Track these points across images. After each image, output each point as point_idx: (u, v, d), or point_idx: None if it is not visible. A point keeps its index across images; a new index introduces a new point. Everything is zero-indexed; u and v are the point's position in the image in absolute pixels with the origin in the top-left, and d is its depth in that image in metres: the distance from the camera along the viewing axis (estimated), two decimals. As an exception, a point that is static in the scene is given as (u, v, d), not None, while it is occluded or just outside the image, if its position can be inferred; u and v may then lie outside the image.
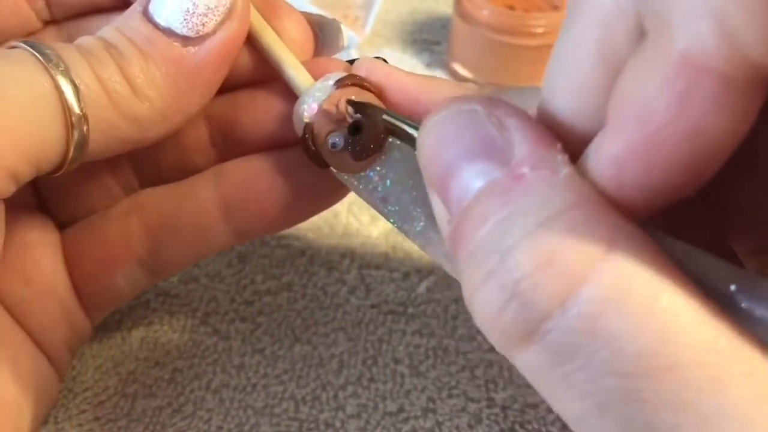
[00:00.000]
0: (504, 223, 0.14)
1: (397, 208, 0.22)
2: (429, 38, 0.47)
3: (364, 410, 0.27)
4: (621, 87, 0.14)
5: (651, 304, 0.13)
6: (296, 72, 0.23)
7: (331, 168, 0.23)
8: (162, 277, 0.27)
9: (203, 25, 0.21)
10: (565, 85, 0.16)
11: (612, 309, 0.13)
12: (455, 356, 0.29)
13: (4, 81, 0.19)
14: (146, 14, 0.22)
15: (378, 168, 0.23)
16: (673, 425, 0.12)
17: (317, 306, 0.31)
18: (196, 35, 0.21)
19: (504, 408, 0.27)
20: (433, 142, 0.16)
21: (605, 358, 0.13)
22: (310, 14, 0.25)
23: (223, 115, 0.25)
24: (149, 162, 0.26)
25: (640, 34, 0.14)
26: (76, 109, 0.20)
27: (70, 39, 0.25)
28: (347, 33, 0.27)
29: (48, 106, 0.19)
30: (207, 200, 0.25)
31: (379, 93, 0.23)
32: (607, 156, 0.14)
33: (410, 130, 0.20)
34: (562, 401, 0.14)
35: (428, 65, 0.45)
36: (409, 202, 0.22)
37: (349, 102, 0.22)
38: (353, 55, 0.43)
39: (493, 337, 0.15)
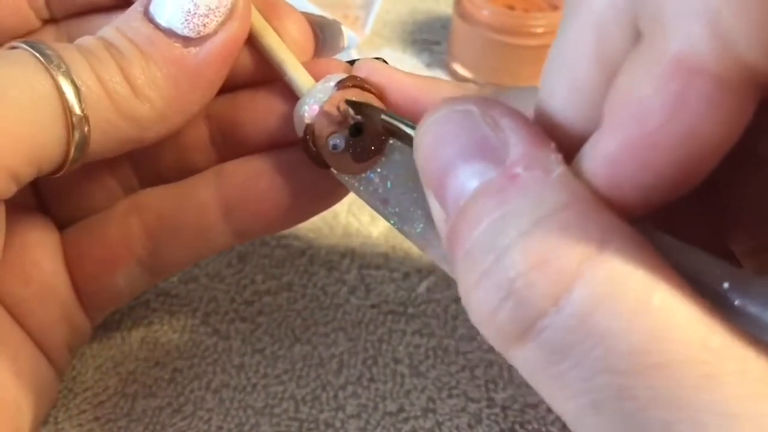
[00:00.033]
0: (499, 223, 0.14)
1: (397, 209, 0.22)
2: (429, 38, 0.47)
3: (364, 410, 0.27)
4: (617, 88, 0.14)
5: (643, 303, 0.13)
6: (297, 73, 0.23)
7: (332, 169, 0.23)
8: (162, 277, 0.27)
9: (204, 25, 0.21)
10: (561, 86, 0.16)
11: (604, 307, 0.13)
12: (455, 356, 0.29)
13: (4, 82, 0.19)
14: (147, 14, 0.22)
15: (379, 169, 0.23)
16: (667, 422, 0.12)
17: (317, 306, 0.31)
18: (198, 36, 0.21)
19: (504, 408, 0.27)
20: (430, 142, 0.16)
21: (599, 356, 0.13)
22: (311, 15, 0.25)
23: (224, 115, 0.25)
24: (149, 162, 0.26)
25: (636, 35, 0.14)
26: (77, 110, 0.20)
27: (70, 38, 0.25)
28: (347, 33, 0.27)
29: (49, 106, 0.20)
30: (207, 200, 0.25)
31: (379, 94, 0.23)
32: (602, 155, 0.14)
33: (408, 131, 0.20)
34: (558, 399, 0.14)
35: (428, 65, 0.45)
36: (409, 204, 0.22)
37: (348, 102, 0.22)
38: (353, 55, 0.43)
39: (490, 335, 0.15)
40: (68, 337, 0.25)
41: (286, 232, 0.33)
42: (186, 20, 0.21)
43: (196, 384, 0.28)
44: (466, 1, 0.41)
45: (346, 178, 0.23)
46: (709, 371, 0.12)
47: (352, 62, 0.24)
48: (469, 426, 0.27)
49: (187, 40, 0.21)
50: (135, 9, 0.22)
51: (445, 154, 0.16)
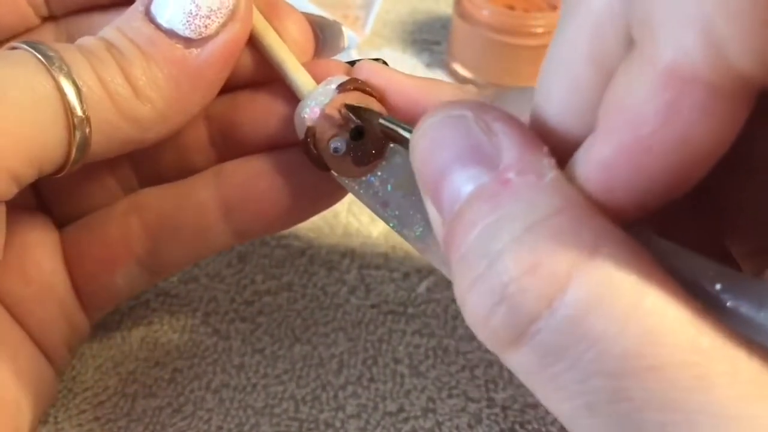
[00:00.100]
0: (492, 228, 0.14)
1: (397, 212, 0.22)
2: (429, 38, 0.47)
3: (364, 410, 0.27)
4: (612, 92, 0.14)
5: (635, 306, 0.13)
6: (298, 74, 0.23)
7: (332, 172, 0.23)
8: (162, 277, 0.27)
9: (206, 27, 0.21)
10: (557, 87, 0.16)
11: (597, 310, 0.13)
12: (455, 356, 0.29)
13: (5, 82, 0.19)
14: (148, 15, 0.22)
15: (379, 173, 0.23)
16: (660, 424, 0.13)
17: (317, 306, 0.31)
18: (199, 37, 0.21)
19: (504, 408, 0.27)
20: (425, 146, 0.16)
21: (592, 358, 0.13)
22: (311, 15, 0.25)
23: (224, 116, 0.25)
24: (149, 162, 0.26)
25: (631, 39, 0.14)
26: (79, 111, 0.20)
27: (69, 36, 0.25)
28: (347, 33, 0.27)
29: (50, 107, 0.19)
30: (207, 200, 0.25)
31: (381, 97, 0.23)
32: (596, 160, 0.14)
33: (406, 135, 0.20)
34: (553, 401, 0.14)
35: (428, 65, 0.45)
36: (409, 207, 0.22)
37: (347, 107, 0.22)
38: (353, 55, 0.43)
39: (485, 338, 0.15)
40: (67, 336, 0.25)
41: (286, 232, 0.33)
42: (187, 21, 0.21)
43: (196, 384, 0.28)
44: (466, 1, 0.41)
45: (347, 181, 0.23)
46: (700, 372, 0.12)
47: (352, 63, 0.24)
48: (469, 426, 0.27)
49: (188, 41, 0.21)
50: (135, 9, 0.22)
51: (441, 158, 0.16)
